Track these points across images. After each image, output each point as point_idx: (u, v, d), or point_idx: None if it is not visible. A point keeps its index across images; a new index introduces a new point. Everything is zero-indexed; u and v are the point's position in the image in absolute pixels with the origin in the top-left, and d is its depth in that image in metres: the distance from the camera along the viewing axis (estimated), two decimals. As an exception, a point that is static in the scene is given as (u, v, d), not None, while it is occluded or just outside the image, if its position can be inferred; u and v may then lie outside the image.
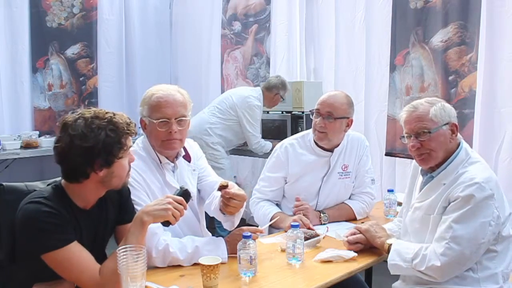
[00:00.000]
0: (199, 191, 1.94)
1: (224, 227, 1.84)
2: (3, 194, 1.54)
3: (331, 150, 2.24)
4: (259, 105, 3.87)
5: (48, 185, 1.47)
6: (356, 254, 1.72)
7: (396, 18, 3.40)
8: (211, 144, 3.81)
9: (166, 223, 1.44)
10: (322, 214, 2.18)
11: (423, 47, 3.26)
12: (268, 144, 3.90)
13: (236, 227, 1.79)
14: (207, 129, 3.82)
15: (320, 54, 4.08)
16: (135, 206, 1.62)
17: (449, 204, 1.58)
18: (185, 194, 1.50)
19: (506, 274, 1.61)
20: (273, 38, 4.40)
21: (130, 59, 5.07)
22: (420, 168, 1.76)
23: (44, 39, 4.53)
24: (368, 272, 2.49)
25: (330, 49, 3.93)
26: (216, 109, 3.90)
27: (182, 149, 1.84)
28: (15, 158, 3.91)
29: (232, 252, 1.65)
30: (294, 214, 2.12)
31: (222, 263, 1.50)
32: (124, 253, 1.25)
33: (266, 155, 3.78)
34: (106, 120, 1.38)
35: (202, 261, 1.43)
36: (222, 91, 4.73)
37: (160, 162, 1.77)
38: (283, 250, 1.76)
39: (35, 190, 1.47)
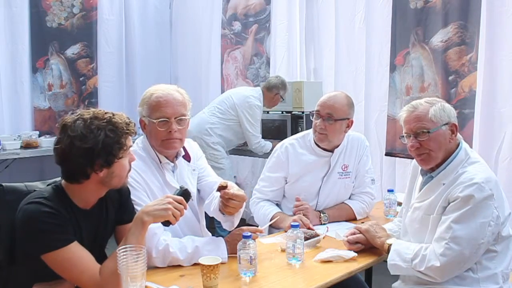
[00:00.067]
0: (198, 191, 1.94)
1: (224, 227, 1.84)
2: (3, 195, 1.54)
3: (331, 151, 2.24)
4: (259, 105, 3.87)
5: (48, 185, 1.47)
6: (356, 254, 1.72)
7: (396, 18, 3.40)
8: (211, 144, 3.81)
9: (167, 223, 1.44)
10: (322, 214, 2.18)
11: (423, 47, 3.26)
12: (268, 144, 3.91)
13: (236, 227, 1.79)
14: (207, 129, 3.82)
15: (320, 54, 4.08)
16: (135, 206, 1.61)
17: (448, 204, 1.58)
18: (185, 194, 1.50)
19: (506, 274, 1.61)
20: (273, 38, 4.40)
21: (130, 59, 5.08)
22: (419, 168, 1.76)
23: (44, 39, 4.53)
24: (368, 272, 2.49)
25: (330, 49, 3.94)
26: (216, 109, 3.91)
27: (181, 149, 1.84)
28: (15, 158, 3.91)
29: (232, 252, 1.65)
30: (294, 214, 2.12)
31: (222, 263, 1.50)
32: (124, 253, 1.25)
33: (266, 155, 3.79)
34: (105, 120, 1.38)
35: (202, 261, 1.43)
36: (222, 91, 4.73)
37: (160, 162, 1.77)
38: (283, 250, 1.76)
39: (35, 190, 1.47)
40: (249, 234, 1.54)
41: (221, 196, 1.66)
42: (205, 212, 1.96)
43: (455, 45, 3.10)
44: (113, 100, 4.83)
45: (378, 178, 3.50)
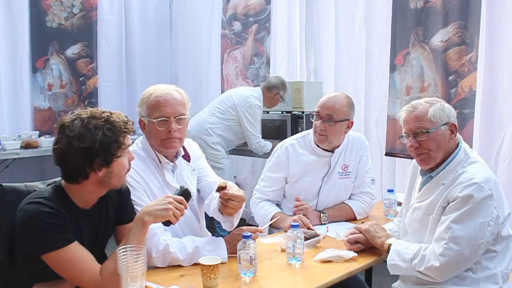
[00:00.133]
0: (198, 191, 1.94)
1: (223, 228, 1.84)
2: (3, 195, 1.54)
3: (331, 151, 2.24)
4: (259, 105, 3.87)
5: (48, 185, 1.47)
6: (356, 254, 1.72)
7: (396, 18, 3.40)
8: (211, 144, 3.81)
9: (167, 223, 1.44)
10: (322, 214, 2.18)
11: (423, 47, 3.26)
12: (268, 144, 3.91)
13: (236, 227, 1.79)
14: (207, 129, 3.82)
15: (320, 54, 4.08)
16: (135, 207, 1.62)
17: (448, 204, 1.58)
18: (185, 193, 1.50)
19: (506, 274, 1.61)
20: (273, 38, 4.40)
21: (130, 59, 5.08)
22: (419, 168, 1.76)
23: (44, 39, 4.53)
24: (368, 272, 2.49)
25: (330, 49, 3.93)
26: (216, 109, 3.91)
27: (181, 149, 1.84)
28: (15, 158, 3.91)
29: (232, 252, 1.65)
30: (294, 214, 2.12)
31: (222, 263, 1.50)
32: (124, 253, 1.25)
33: (266, 155, 3.79)
34: (103, 119, 1.38)
35: (202, 261, 1.43)
36: (222, 91, 4.73)
37: (160, 162, 1.77)
38: (283, 250, 1.76)
39: (35, 191, 1.47)
40: (249, 234, 1.54)
41: (220, 197, 1.66)
42: (205, 212, 1.96)
43: (455, 45, 3.10)
44: (113, 100, 4.83)
45: (378, 178, 3.50)
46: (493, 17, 2.86)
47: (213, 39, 4.97)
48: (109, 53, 4.88)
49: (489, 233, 1.52)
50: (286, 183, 2.28)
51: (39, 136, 4.21)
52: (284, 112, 4.05)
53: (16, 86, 4.39)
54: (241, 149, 4.23)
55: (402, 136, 1.71)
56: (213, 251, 1.64)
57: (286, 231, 1.86)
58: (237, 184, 3.63)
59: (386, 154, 3.52)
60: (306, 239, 1.79)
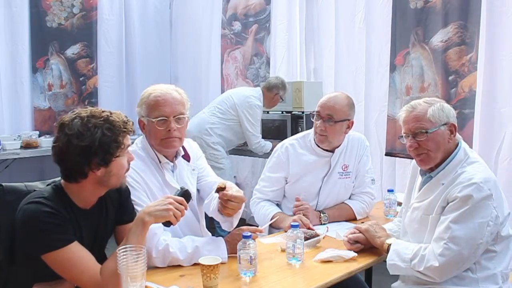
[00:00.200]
0: (198, 191, 1.94)
1: (223, 228, 1.84)
2: (2, 195, 1.54)
3: (331, 151, 2.24)
4: (259, 105, 3.88)
5: (47, 185, 1.47)
6: (356, 254, 1.72)
7: (396, 18, 3.40)
8: (212, 144, 3.81)
9: (167, 224, 1.44)
10: (322, 214, 2.18)
11: (423, 47, 3.26)
12: (268, 144, 3.91)
13: (236, 227, 1.79)
14: (207, 129, 3.82)
15: (320, 54, 4.08)
16: (135, 207, 1.62)
17: (447, 204, 1.58)
18: (185, 194, 1.50)
19: (506, 274, 1.61)
20: (273, 38, 4.40)
21: (130, 59, 5.08)
22: (419, 168, 1.76)
23: (44, 39, 4.53)
24: (368, 272, 2.49)
25: (330, 49, 3.93)
26: (216, 109, 3.91)
27: (181, 149, 1.84)
28: (15, 158, 3.91)
29: (232, 252, 1.65)
30: (294, 214, 2.12)
31: (222, 263, 1.50)
32: (124, 253, 1.25)
33: (266, 155, 3.79)
34: (102, 119, 1.38)
35: (202, 261, 1.43)
36: (222, 91, 4.73)
37: (160, 162, 1.77)
38: (283, 250, 1.76)
39: (34, 190, 1.47)
40: (249, 234, 1.54)
41: (219, 198, 1.66)
42: (205, 212, 1.96)
43: (455, 45, 3.10)
44: (113, 100, 4.83)
45: (378, 178, 3.50)
46: (493, 17, 2.86)
47: (213, 39, 4.97)
48: (109, 53, 4.88)
49: (488, 233, 1.52)
50: (286, 183, 2.28)
51: (39, 136, 4.21)
52: (284, 112, 4.05)
53: (16, 86, 4.40)
54: (241, 149, 4.23)
55: (402, 136, 1.71)
56: (213, 251, 1.64)
57: (286, 231, 1.86)
58: (237, 184, 3.62)
59: (386, 154, 3.53)
60: (306, 239, 1.79)
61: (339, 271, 1.61)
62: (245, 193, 1.69)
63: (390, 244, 1.67)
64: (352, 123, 2.21)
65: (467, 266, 1.55)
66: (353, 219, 2.25)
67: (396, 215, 2.16)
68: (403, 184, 2.62)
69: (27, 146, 4.01)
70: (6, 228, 1.47)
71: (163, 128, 1.70)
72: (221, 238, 1.74)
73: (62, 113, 4.54)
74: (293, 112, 3.95)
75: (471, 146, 1.95)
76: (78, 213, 1.42)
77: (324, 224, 2.16)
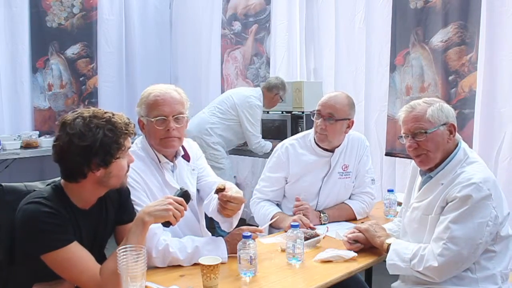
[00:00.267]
0: (198, 191, 1.94)
1: (222, 228, 1.84)
2: (2, 195, 1.54)
3: (331, 151, 2.24)
4: (259, 105, 3.88)
5: (47, 185, 1.47)
6: (356, 254, 1.72)
7: (396, 18, 3.40)
8: (212, 144, 3.81)
9: (167, 224, 1.44)
10: (322, 214, 2.18)
11: (423, 47, 3.26)
12: (268, 144, 3.91)
13: (236, 227, 1.79)
14: (207, 129, 3.82)
15: (320, 54, 4.08)
16: (135, 207, 1.62)
17: (447, 204, 1.58)
18: (185, 195, 1.50)
19: (505, 274, 1.61)
20: (273, 38, 4.40)
21: (130, 59, 5.08)
22: (419, 168, 1.76)
23: (44, 39, 4.53)
24: (368, 272, 2.49)
25: (330, 49, 3.93)
26: (216, 109, 3.91)
27: (181, 149, 1.84)
28: (15, 158, 3.91)
29: (232, 252, 1.66)
30: (294, 214, 2.12)
31: (222, 263, 1.50)
32: (124, 253, 1.25)
33: (266, 155, 3.79)
34: (104, 119, 1.38)
35: (202, 261, 1.43)
36: (222, 91, 4.73)
37: (159, 162, 1.77)
38: (283, 250, 1.76)
39: (34, 190, 1.47)
40: (249, 234, 1.54)
41: (219, 199, 1.66)
42: (205, 212, 1.96)
43: (455, 45, 3.10)
44: (113, 100, 4.83)
45: (378, 178, 3.50)
46: (493, 17, 2.86)
47: (213, 39, 4.97)
48: (109, 53, 4.88)
49: (487, 233, 1.52)
50: (286, 183, 2.28)
51: (39, 136, 4.21)
52: (284, 112, 4.05)
53: (16, 86, 4.40)
54: (241, 149, 4.23)
55: (401, 136, 1.71)
56: (213, 251, 1.64)
57: (286, 231, 1.86)
58: (237, 184, 3.62)
59: (386, 154, 3.53)
60: (306, 239, 1.79)
61: (339, 271, 1.61)
62: (245, 193, 1.69)
63: (389, 244, 1.67)
64: (352, 122, 2.21)
65: (466, 266, 1.55)
66: (353, 219, 2.25)
67: (396, 215, 2.16)
68: (403, 184, 2.61)
69: (27, 146, 4.01)
70: (6, 228, 1.47)
71: (162, 127, 1.70)
72: (221, 238, 1.75)
73: (62, 113, 4.55)
74: (293, 112, 3.95)
75: (471, 146, 1.95)
76: (78, 213, 1.42)
77: (324, 224, 2.16)
